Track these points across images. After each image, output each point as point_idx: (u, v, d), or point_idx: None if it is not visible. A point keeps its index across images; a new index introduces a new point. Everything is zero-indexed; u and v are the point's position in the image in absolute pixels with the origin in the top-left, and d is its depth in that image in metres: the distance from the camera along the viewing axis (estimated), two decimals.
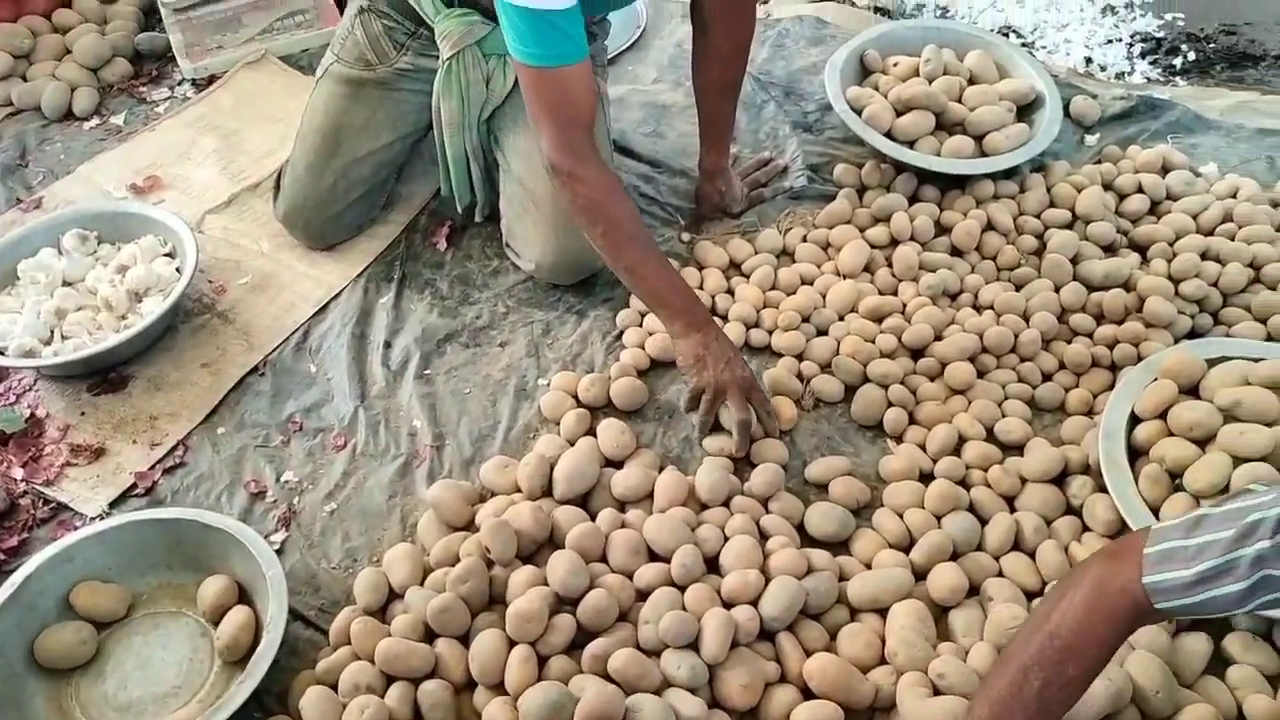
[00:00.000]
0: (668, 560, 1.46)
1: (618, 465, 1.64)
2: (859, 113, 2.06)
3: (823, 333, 1.83)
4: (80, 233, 1.97)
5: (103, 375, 1.83)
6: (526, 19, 1.50)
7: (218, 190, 2.18)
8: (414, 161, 2.12)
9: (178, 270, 1.92)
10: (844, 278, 1.91)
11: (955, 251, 1.96)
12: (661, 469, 1.62)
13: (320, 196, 1.98)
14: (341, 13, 2.09)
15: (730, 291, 1.91)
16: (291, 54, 2.54)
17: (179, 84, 2.50)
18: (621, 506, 1.58)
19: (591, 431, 1.69)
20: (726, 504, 1.57)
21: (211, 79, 2.48)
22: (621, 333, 1.86)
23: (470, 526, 1.56)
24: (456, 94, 1.86)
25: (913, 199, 2.03)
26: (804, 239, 1.99)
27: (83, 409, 1.80)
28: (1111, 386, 1.70)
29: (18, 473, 1.70)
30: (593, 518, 1.53)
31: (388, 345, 1.89)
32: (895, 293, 1.89)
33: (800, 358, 1.79)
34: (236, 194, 2.16)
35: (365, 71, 1.93)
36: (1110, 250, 1.95)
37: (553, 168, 1.62)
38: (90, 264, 1.95)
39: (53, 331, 1.84)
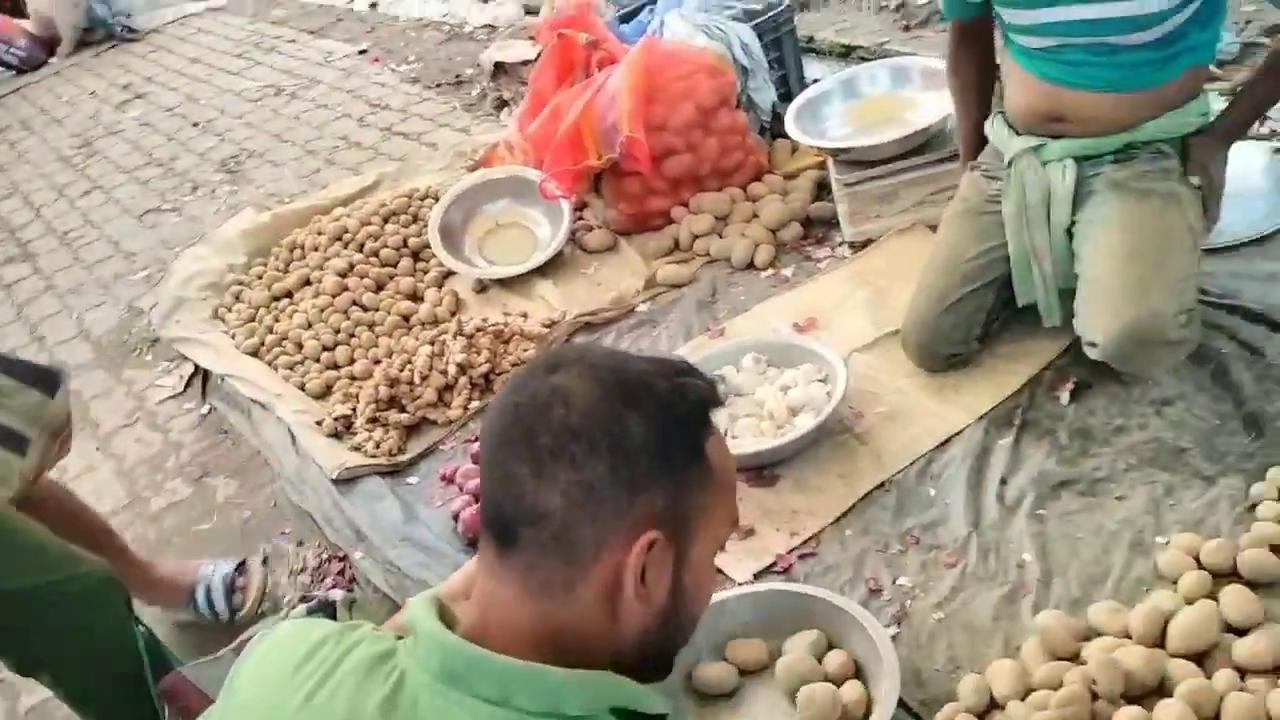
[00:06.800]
0: None
1: (1240, 633, 1.59)
2: None
3: None
4: (755, 356, 2.41)
5: (758, 471, 2.20)
6: None
7: (865, 333, 2.51)
8: (1038, 320, 2.26)
9: (828, 395, 2.25)
10: None
11: None
12: None
13: (922, 311, 2.28)
14: None
15: None
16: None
17: (839, 245, 2.93)
18: (1241, 674, 1.53)
19: (1212, 595, 1.66)
20: None
21: (867, 242, 2.87)
22: (1255, 505, 1.80)
23: (1075, 659, 1.62)
24: (1015, 197, 2.11)
25: None
26: None
27: (740, 496, 2.17)
28: None
29: None
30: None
31: (1003, 482, 2.02)
32: None
33: None
34: (880, 338, 2.48)
35: (962, 205, 2.30)
36: None
37: None
38: (760, 381, 2.37)
39: (726, 432, 2.27)
